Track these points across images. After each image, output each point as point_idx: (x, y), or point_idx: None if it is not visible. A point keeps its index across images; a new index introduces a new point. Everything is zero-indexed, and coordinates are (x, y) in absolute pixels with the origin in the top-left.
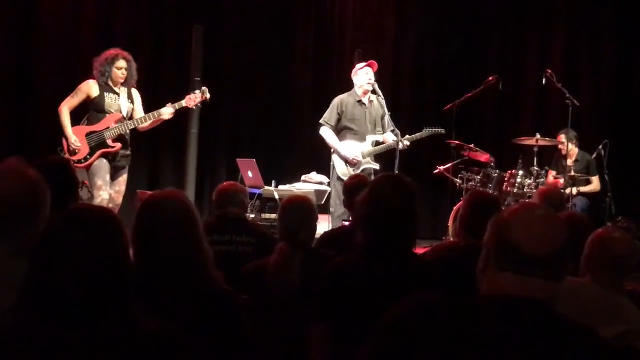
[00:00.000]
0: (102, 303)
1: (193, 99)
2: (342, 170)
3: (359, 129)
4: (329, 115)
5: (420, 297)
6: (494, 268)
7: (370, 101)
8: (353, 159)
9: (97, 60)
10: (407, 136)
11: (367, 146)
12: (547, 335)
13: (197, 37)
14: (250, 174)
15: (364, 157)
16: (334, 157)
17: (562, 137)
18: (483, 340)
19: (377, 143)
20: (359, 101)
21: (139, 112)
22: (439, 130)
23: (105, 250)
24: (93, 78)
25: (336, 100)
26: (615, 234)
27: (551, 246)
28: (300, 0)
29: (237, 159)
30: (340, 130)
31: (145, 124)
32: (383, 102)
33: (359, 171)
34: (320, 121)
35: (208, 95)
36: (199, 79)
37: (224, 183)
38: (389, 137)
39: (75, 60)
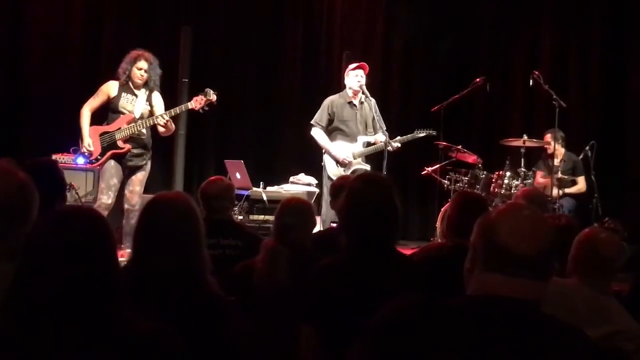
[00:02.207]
0: (89, 304)
1: (199, 101)
2: (333, 171)
3: (350, 130)
4: (320, 116)
5: (405, 299)
6: (481, 269)
7: (361, 103)
8: (344, 159)
9: (124, 59)
10: (398, 137)
11: (358, 147)
12: (535, 336)
13: (186, 39)
14: (238, 175)
15: (354, 158)
16: (325, 158)
17: (548, 137)
18: (470, 341)
19: (369, 144)
20: (350, 102)
21: (159, 112)
22: (431, 131)
23: (91, 252)
24: (115, 78)
25: (327, 101)
26: (602, 235)
27: (538, 246)
28: (289, 2)
29: (225, 161)
30: (331, 131)
31: (162, 129)
32: (373, 104)
33: (349, 172)
34: (312, 122)
35: (213, 98)
36: (186, 80)
37: (210, 179)
38: (380, 138)
39: (63, 60)
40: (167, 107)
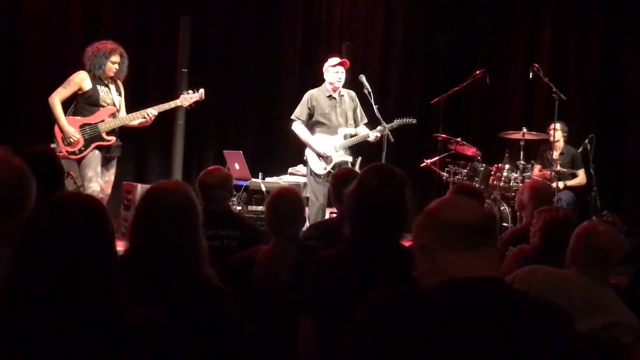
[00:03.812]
0: (85, 290)
1: (188, 99)
2: (315, 165)
3: (330, 123)
4: (300, 110)
5: (387, 290)
6: (445, 253)
7: (341, 95)
8: (324, 153)
9: (90, 51)
10: (378, 127)
11: (339, 139)
12: (512, 312)
13: (185, 28)
14: (237, 165)
15: (336, 150)
16: (307, 152)
17: (553, 127)
18: (451, 325)
19: (351, 136)
20: (329, 96)
21: (123, 105)
22: (411, 120)
23: (89, 239)
24: (82, 68)
25: (306, 95)
26: (600, 228)
27: (481, 214)
28: None
29: (224, 151)
30: (312, 125)
31: (135, 122)
32: (354, 95)
33: (331, 165)
34: (292, 117)
35: (202, 97)
36: (185, 70)
37: (208, 169)
38: (362, 130)
39: (62, 49)
40: (164, 97)
